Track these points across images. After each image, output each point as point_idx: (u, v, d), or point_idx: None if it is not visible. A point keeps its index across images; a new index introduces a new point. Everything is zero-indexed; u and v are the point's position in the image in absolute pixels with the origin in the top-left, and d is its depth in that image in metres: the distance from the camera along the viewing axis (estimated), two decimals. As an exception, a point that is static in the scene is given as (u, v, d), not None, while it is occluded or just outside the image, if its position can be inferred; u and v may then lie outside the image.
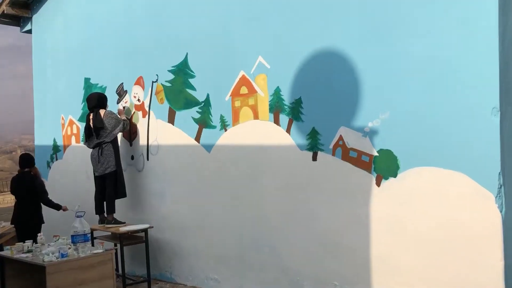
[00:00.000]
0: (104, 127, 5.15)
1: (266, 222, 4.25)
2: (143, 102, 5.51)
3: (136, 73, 5.57)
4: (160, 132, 5.29)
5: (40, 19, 7.33)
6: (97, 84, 6.17)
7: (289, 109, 4.06)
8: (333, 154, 3.78)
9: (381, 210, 3.55)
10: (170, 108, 5.16)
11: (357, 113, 3.65)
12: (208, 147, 4.76)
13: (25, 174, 5.66)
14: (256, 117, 4.32)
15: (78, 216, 3.97)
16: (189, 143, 4.95)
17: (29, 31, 7.68)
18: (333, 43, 3.77)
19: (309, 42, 3.92)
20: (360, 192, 3.65)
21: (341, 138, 3.74)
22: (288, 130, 4.08)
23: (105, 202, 5.23)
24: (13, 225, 5.98)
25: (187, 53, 4.94)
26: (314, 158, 3.90)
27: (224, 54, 4.58)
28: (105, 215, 5.23)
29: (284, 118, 4.10)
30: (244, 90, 4.41)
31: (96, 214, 5.35)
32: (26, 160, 5.74)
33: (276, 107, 4.15)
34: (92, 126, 5.20)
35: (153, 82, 5.37)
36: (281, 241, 4.14)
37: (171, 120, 5.15)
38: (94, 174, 5.39)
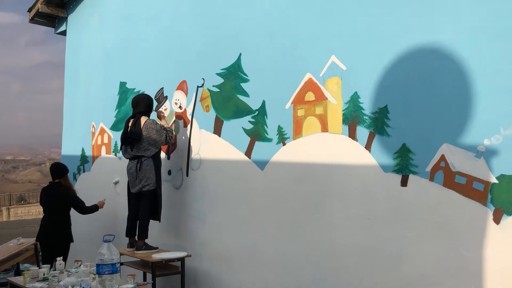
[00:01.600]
0: (141, 140, 4.44)
1: (334, 260, 3.41)
2: (185, 110, 4.81)
3: (178, 77, 4.89)
4: (203, 144, 4.55)
5: (75, 19, 6.81)
6: (134, 88, 5.52)
7: (370, 120, 3.26)
8: (431, 179, 2.94)
9: (499, 257, 2.68)
10: (217, 116, 4.43)
11: (467, 126, 2.81)
12: (261, 164, 3.98)
13: (56, 185, 5.05)
14: (324, 129, 3.53)
15: (106, 241, 3.23)
16: (238, 158, 4.19)
17: (64, 33, 7.18)
18: (435, 38, 2.97)
19: (400, 37, 3.13)
20: (470, 231, 2.78)
21: (443, 158, 2.90)
22: (368, 146, 3.27)
23: (138, 225, 4.49)
24: (37, 242, 5.34)
25: (240, 54, 4.22)
26: (404, 183, 3.07)
27: (285, 54, 3.83)
28: (136, 239, 4.49)
29: (363, 131, 3.30)
30: (310, 96, 3.64)
31: (126, 236, 4.61)
32: (58, 169, 5.12)
33: (352, 118, 3.36)
34: (129, 134, 4.51)
35: (198, 87, 4.66)
36: (355, 286, 3.29)
37: (217, 130, 4.41)
38: (128, 190, 4.67)
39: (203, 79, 4.60)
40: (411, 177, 3.04)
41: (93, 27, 6.37)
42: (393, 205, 3.11)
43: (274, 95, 3.91)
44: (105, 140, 5.99)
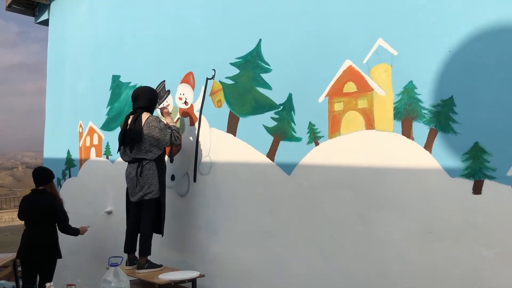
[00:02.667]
0: (142, 140, 3.80)
1: (385, 282, 2.85)
2: (192, 106, 4.19)
3: (183, 68, 4.27)
4: (215, 144, 3.95)
5: (59, 5, 6.12)
6: (129, 82, 4.88)
7: (430, 115, 2.71)
8: (515, 185, 2.42)
9: None
10: (231, 113, 3.83)
11: None
12: (288, 167, 3.41)
13: (40, 193, 4.36)
14: (370, 125, 2.97)
15: (112, 265, 2.59)
16: (259, 160, 3.60)
17: (45, 22, 6.47)
18: (518, 13, 2.45)
19: (469, 12, 2.60)
20: None
21: (531, 160, 2.38)
22: (428, 146, 2.72)
23: (139, 240, 3.84)
24: (17, 259, 4.65)
25: (260, 40, 3.64)
26: (477, 190, 2.52)
27: (318, 38, 3.27)
28: (137, 255, 3.84)
29: (421, 128, 2.75)
30: (350, 87, 3.08)
31: (124, 252, 3.96)
32: (42, 175, 4.43)
33: (407, 112, 2.81)
34: (129, 134, 3.86)
35: (207, 79, 4.06)
36: (414, 314, 2.73)
37: (231, 129, 3.81)
38: (127, 198, 4.03)
39: (213, 70, 3.99)
40: (487, 183, 2.50)
41: (81, 14, 5.69)
42: (463, 217, 2.57)
43: (303, 87, 3.33)
44: (95, 141, 5.32)
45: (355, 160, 3.03)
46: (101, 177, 5.19)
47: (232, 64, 3.84)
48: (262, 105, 3.59)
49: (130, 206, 3.97)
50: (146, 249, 3.78)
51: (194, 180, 4.11)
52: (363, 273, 2.96)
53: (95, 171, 5.29)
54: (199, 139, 4.10)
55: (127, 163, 3.97)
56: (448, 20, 2.67)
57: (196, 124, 4.13)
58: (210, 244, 3.93)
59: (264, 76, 3.59)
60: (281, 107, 3.47)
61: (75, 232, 4.49)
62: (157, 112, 4.29)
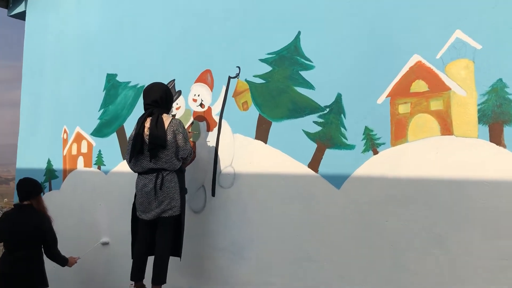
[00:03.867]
0: (167, 146, 3.22)
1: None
2: (209, 109, 3.64)
3: (198, 66, 3.72)
4: (239, 153, 3.41)
5: (41, -4, 5.42)
6: (128, 82, 4.27)
7: (528, 118, 2.32)
8: None
9: None
10: (261, 117, 3.31)
11: None
12: (337, 179, 2.92)
13: (27, 210, 3.63)
14: (447, 130, 2.54)
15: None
16: (297, 171, 3.09)
17: (21, 15, 5.74)
18: None
19: None
20: None
21: None
22: (525, 155, 2.32)
23: (153, 264, 3.22)
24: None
25: (299, 32, 3.16)
26: None
27: (375, 28, 2.83)
28: (151, 284, 3.21)
29: (515, 134, 2.35)
30: (419, 86, 2.65)
31: (132, 280, 3.33)
32: (29, 187, 3.69)
33: (495, 115, 2.40)
34: (146, 139, 3.25)
35: (230, 78, 3.53)
36: None
37: (262, 135, 3.30)
38: (134, 216, 3.41)
39: (238, 67, 3.47)
40: None
41: (67, 5, 5.02)
42: None
43: (357, 86, 2.87)
44: (84, 149, 4.64)
45: (428, 171, 2.58)
46: (90, 191, 4.51)
47: (262, 60, 3.33)
48: (301, 108, 3.10)
49: (139, 225, 3.34)
50: (162, 276, 3.17)
51: (213, 194, 3.54)
52: (442, 306, 2.50)
53: (83, 184, 4.61)
54: (219, 147, 3.55)
55: (137, 174, 3.35)
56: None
57: (215, 129, 3.58)
58: (234, 269, 3.37)
59: (305, 74, 3.11)
60: (327, 109, 2.99)
61: (63, 261, 3.77)
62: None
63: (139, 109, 4.11)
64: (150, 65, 4.08)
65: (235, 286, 3.35)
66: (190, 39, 3.81)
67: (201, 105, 3.69)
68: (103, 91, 4.50)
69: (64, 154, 4.85)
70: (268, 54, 3.31)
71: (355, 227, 2.82)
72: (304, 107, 3.09)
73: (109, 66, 4.46)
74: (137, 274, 3.30)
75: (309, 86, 3.08)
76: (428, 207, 2.57)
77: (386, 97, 2.76)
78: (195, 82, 3.74)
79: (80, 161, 4.67)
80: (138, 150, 3.21)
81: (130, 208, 3.51)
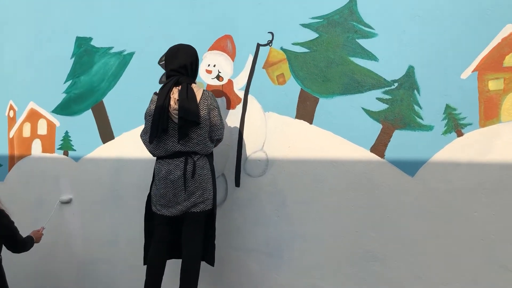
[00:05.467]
0: (201, 124, 2.55)
1: None
2: (230, 82, 3.03)
3: (214, 30, 3.08)
4: (274, 135, 2.86)
5: None
6: (110, 48, 3.46)
7: None
8: None
9: None
10: (303, 92, 2.80)
11: None
12: (409, 166, 2.53)
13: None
14: (551, 110, 2.28)
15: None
16: (357, 156, 2.65)
17: None
18: None
19: None
20: None
21: None
22: None
23: (182, 272, 2.55)
24: None
25: (356, -6, 2.70)
26: None
27: (457, -5, 2.47)
28: None
29: None
30: (515, 60, 2.35)
31: (145, 292, 2.63)
32: None
33: None
34: (174, 114, 2.54)
35: (259, 45, 2.95)
36: None
37: (305, 114, 2.79)
38: (148, 210, 2.70)
39: (270, 33, 2.91)
40: None
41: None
42: None
43: (433, 59, 2.49)
44: (42, 130, 3.71)
45: (527, 155, 2.30)
46: (52, 183, 3.62)
47: (304, 25, 2.81)
48: (360, 82, 2.65)
49: (157, 224, 2.64)
50: (194, 285, 2.53)
51: (237, 184, 2.95)
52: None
53: (41, 174, 3.69)
54: (244, 128, 2.96)
55: (155, 159, 2.65)
56: None
57: (239, 107, 2.99)
58: (269, 274, 2.83)
59: (364, 42, 2.66)
60: (395, 84, 2.58)
61: (30, 243, 2.90)
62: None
63: (126, 82, 3.36)
64: (142, 26, 3.33)
65: (270, 293, 2.82)
66: (202, -3, 3.15)
67: (219, 77, 3.06)
68: (72, 58, 3.61)
69: (11, 137, 3.85)
70: (313, 18, 2.80)
71: (434, 220, 2.46)
72: (364, 82, 2.64)
73: (79, 27, 3.59)
74: (153, 284, 2.61)
75: (371, 57, 2.64)
76: (528, 195, 2.29)
77: (473, 71, 2.42)
78: (209, 50, 3.10)
79: (36, 145, 3.73)
80: (163, 127, 2.50)
81: (114, 203, 2.81)
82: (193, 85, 2.59)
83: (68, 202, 3.49)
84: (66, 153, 3.58)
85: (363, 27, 2.67)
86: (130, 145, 3.31)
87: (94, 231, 3.43)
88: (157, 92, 2.68)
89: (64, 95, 3.61)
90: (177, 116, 2.51)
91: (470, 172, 2.39)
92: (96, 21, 3.51)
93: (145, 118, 2.66)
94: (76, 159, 3.54)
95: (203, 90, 2.61)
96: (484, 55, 2.40)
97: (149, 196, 2.71)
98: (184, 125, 2.47)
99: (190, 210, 2.54)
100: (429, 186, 2.48)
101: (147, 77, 3.27)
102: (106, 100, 3.43)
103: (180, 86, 2.55)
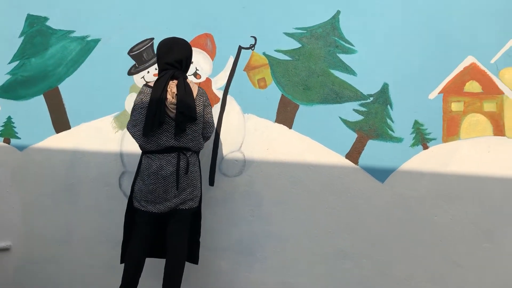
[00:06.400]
0: (198, 119, 2.52)
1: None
2: (208, 80, 3.03)
3: (193, 26, 3.06)
4: (253, 137, 2.94)
5: None
6: (71, 31, 3.22)
7: None
8: None
9: None
10: (284, 98, 2.92)
11: None
12: (381, 173, 2.79)
13: None
14: (499, 131, 2.70)
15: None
16: (332, 161, 2.84)
17: None
18: None
19: None
20: None
21: None
22: None
23: (166, 272, 2.47)
24: None
25: (338, 11, 2.91)
26: None
27: (429, 23, 2.79)
28: None
29: (562, 139, 2.66)
30: (473, 87, 2.75)
31: (121, 290, 2.51)
32: None
33: (545, 121, 2.67)
34: (171, 108, 2.47)
35: (241, 48, 3.00)
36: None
37: (285, 119, 2.91)
38: (133, 207, 2.57)
39: (253, 37, 2.99)
40: None
41: None
42: None
43: (405, 79, 2.81)
44: (-25, 114, 3.28)
45: (480, 169, 2.70)
46: (-14, 173, 3.23)
47: (288, 34, 2.95)
48: (338, 93, 2.86)
49: (139, 220, 2.53)
50: (178, 285, 2.47)
51: (211, 183, 2.96)
52: (492, 296, 2.64)
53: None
54: (221, 128, 2.99)
55: (143, 153, 2.54)
56: None
57: (217, 106, 3.00)
58: (241, 272, 2.88)
59: (344, 57, 2.88)
60: (371, 98, 2.84)
61: None
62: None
63: (88, 69, 3.15)
64: (110, 12, 3.16)
65: (241, 291, 2.88)
66: (182, -8, 3.10)
67: (196, 75, 3.04)
68: (20, 37, 3.27)
69: None
70: (297, 28, 2.95)
71: (401, 222, 2.76)
72: (342, 93, 2.86)
73: (31, 3, 3.27)
74: (130, 283, 2.50)
75: (350, 71, 2.87)
76: (478, 203, 2.69)
77: (439, 93, 2.78)
78: (187, 46, 3.06)
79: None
80: (161, 120, 2.42)
81: (67, 198, 2.69)
82: (188, 81, 2.56)
83: (5, 249, 3.16)
84: (7, 141, 3.22)
85: (344, 43, 2.89)
86: (89, 137, 3.11)
87: (39, 227, 3.13)
88: (147, 83, 2.59)
89: (8, 77, 3.25)
90: (173, 111, 2.46)
91: (433, 181, 2.74)
92: (54, 0, 3.24)
93: (135, 110, 2.54)
94: (21, 148, 3.20)
95: (198, 86, 2.59)
96: (449, 80, 2.77)
97: (132, 191, 2.59)
98: (183, 120, 2.43)
99: (179, 207, 2.49)
100: (397, 192, 2.77)
101: (113, 66, 3.11)
102: (62, 87, 3.18)
103: (176, 81, 2.50)
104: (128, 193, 3.02)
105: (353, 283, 2.79)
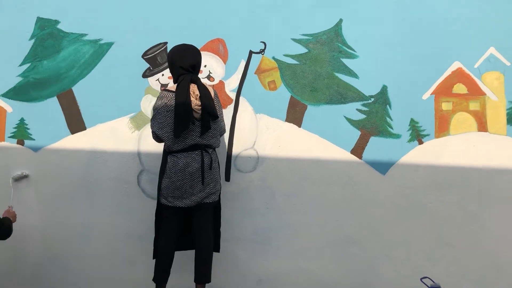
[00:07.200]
0: (219, 117, 2.76)
1: (505, 278, 3.02)
2: (221, 83, 3.24)
3: (205, 31, 3.25)
4: (265, 135, 3.18)
5: None
6: (83, 35, 3.31)
7: (542, 123, 3.09)
8: None
9: None
10: (293, 99, 3.18)
11: None
12: (382, 166, 3.12)
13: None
14: (482, 128, 3.10)
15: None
16: (339, 156, 3.14)
17: None
18: None
19: None
20: None
21: None
22: (540, 150, 3.08)
23: (197, 260, 2.68)
24: None
25: (341, 20, 3.19)
26: None
27: (422, 33, 3.14)
28: (198, 284, 2.67)
29: (533, 134, 3.09)
30: (460, 89, 3.12)
31: (156, 282, 2.71)
32: None
33: (520, 118, 3.09)
34: (197, 109, 2.68)
35: (252, 52, 3.23)
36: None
37: (295, 118, 3.17)
38: (161, 204, 2.75)
39: (263, 42, 3.22)
40: None
41: None
42: None
43: (402, 81, 3.14)
44: (-16, 116, 3.31)
45: (467, 160, 3.09)
46: (2, 176, 3.27)
47: (295, 40, 3.20)
48: (343, 94, 3.16)
49: (168, 215, 2.72)
50: (209, 274, 2.70)
51: (227, 179, 3.18)
52: (479, 272, 3.04)
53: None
54: (235, 126, 3.21)
55: (168, 153, 2.72)
56: (559, 43, 3.12)
57: (230, 107, 3.21)
58: (257, 260, 3.13)
59: (348, 62, 3.18)
60: (372, 99, 3.15)
61: (7, 224, 2.74)
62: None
63: (102, 72, 3.27)
64: (123, 17, 3.28)
65: (258, 280, 3.13)
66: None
67: (209, 77, 3.23)
68: (31, 39, 3.32)
69: None
70: (303, 35, 3.21)
71: (400, 209, 3.10)
72: (346, 94, 3.16)
73: (41, 6, 3.32)
74: (163, 275, 2.71)
75: (353, 74, 3.17)
76: (465, 190, 3.08)
77: (431, 94, 3.14)
78: (200, 49, 3.24)
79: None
80: (191, 121, 2.63)
81: (85, 197, 2.89)
82: (207, 85, 2.78)
83: (25, 176, 3.24)
84: (21, 142, 3.27)
85: (346, 49, 3.19)
86: (106, 137, 3.23)
87: (58, 226, 3.23)
88: (166, 88, 2.77)
89: (19, 79, 3.29)
90: (198, 111, 2.66)
91: (427, 172, 3.10)
92: (65, 4, 3.31)
93: (159, 113, 2.71)
94: (36, 149, 3.27)
95: (212, 88, 2.82)
96: (439, 83, 3.13)
97: (159, 189, 2.77)
98: (207, 117, 2.65)
99: (203, 201, 2.71)
100: (397, 183, 3.11)
101: (127, 69, 3.24)
102: (76, 89, 3.27)
103: (195, 84, 2.71)
104: (147, 190, 3.19)
105: (360, 266, 3.11)
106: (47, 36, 3.32)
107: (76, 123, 3.27)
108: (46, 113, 3.28)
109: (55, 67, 3.30)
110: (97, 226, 3.23)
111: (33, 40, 3.32)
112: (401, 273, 3.09)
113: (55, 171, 3.25)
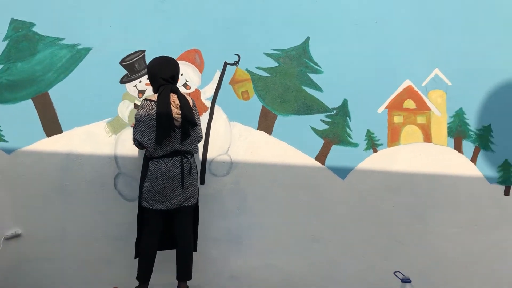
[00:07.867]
0: (197, 125, 2.99)
1: (444, 268, 3.49)
2: (197, 91, 3.43)
3: (182, 41, 3.42)
4: (238, 142, 3.42)
5: None
6: (60, 39, 3.36)
7: (475, 136, 3.58)
8: (529, 189, 3.63)
9: None
10: (265, 109, 3.45)
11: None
12: (342, 171, 3.48)
13: None
14: (428, 139, 3.55)
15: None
16: (305, 162, 3.46)
17: None
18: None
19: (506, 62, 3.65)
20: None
21: (538, 173, 3.65)
22: (473, 160, 3.58)
23: (179, 259, 2.87)
24: None
25: (308, 37, 3.50)
26: (507, 192, 3.59)
27: (378, 54, 3.52)
28: (180, 282, 2.85)
29: (468, 146, 3.57)
30: (410, 104, 3.55)
31: (139, 280, 2.87)
32: None
33: (458, 132, 3.57)
34: (177, 118, 2.89)
35: (226, 63, 3.45)
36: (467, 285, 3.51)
37: (266, 127, 3.44)
38: (142, 207, 2.90)
39: (237, 55, 3.45)
40: None
41: None
42: (498, 212, 3.58)
43: (360, 96, 3.52)
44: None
45: (414, 167, 3.53)
46: (-33, 175, 3.24)
47: (267, 54, 3.47)
48: (309, 106, 3.48)
49: (150, 218, 2.88)
50: (191, 272, 2.90)
51: (201, 182, 3.38)
52: (422, 265, 3.49)
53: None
54: (210, 133, 3.41)
55: (148, 158, 2.90)
56: (494, 62, 3.60)
57: (206, 114, 3.41)
58: (231, 258, 3.37)
59: (314, 76, 3.50)
60: (334, 111, 3.50)
61: None
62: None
63: (79, 76, 3.34)
64: (101, 22, 3.36)
65: (229, 276, 3.36)
66: (175, 10, 3.42)
67: (186, 85, 3.41)
68: (3, 40, 3.31)
69: None
70: (275, 50, 3.48)
71: (357, 210, 3.48)
72: (312, 106, 3.48)
73: (16, 7, 3.32)
74: (146, 274, 2.87)
75: (318, 88, 3.49)
76: (413, 193, 3.52)
77: (385, 108, 3.54)
78: (176, 58, 3.41)
79: None
80: (173, 129, 2.83)
81: (61, 199, 2.99)
82: (183, 92, 3.00)
83: (17, 236, 3.24)
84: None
85: (313, 64, 3.51)
86: (83, 140, 3.30)
87: (31, 227, 3.25)
88: (147, 98, 2.93)
89: (-6, 81, 3.28)
90: (179, 120, 2.86)
91: (380, 177, 3.50)
92: (42, 7, 3.33)
93: (142, 122, 2.86)
94: (8, 151, 3.27)
95: (190, 97, 3.03)
96: (392, 98, 3.54)
97: (140, 193, 2.92)
98: (187, 125, 2.86)
99: (183, 204, 2.91)
100: (355, 187, 3.49)
101: (104, 75, 3.34)
102: (52, 92, 3.31)
103: (176, 94, 2.90)
104: (124, 192, 3.31)
105: (322, 261, 3.45)
106: (22, 38, 3.32)
107: (52, 126, 3.31)
108: (21, 115, 3.29)
109: (30, 70, 3.32)
110: (72, 227, 3.30)
111: (6, 42, 3.32)
112: (359, 268, 3.47)
113: (30, 173, 3.27)
